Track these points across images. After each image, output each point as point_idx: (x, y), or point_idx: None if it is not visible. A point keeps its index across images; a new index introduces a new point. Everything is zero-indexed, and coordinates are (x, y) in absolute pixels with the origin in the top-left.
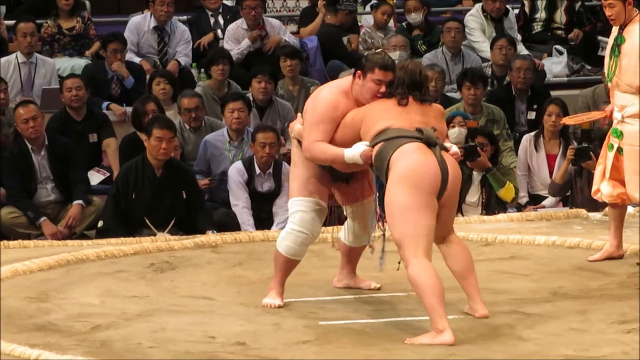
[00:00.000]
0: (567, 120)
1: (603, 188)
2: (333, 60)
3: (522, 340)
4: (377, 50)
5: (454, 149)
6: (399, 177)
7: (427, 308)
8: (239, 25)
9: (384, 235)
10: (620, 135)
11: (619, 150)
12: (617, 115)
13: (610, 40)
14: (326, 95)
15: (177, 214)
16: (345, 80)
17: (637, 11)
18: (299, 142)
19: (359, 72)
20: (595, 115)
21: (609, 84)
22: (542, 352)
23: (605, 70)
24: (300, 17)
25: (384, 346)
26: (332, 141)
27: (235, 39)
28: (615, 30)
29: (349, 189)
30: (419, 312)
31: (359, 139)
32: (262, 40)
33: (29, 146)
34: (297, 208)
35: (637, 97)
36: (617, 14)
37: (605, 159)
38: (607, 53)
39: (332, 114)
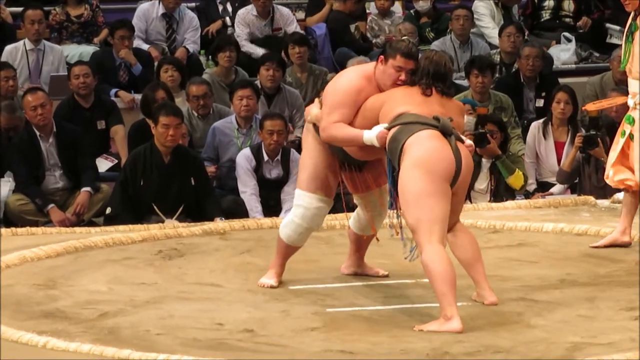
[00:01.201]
0: (590, 107)
1: (610, 173)
2: (341, 48)
3: (530, 327)
4: (402, 38)
5: (468, 142)
6: (414, 163)
7: (437, 294)
8: (249, 10)
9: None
10: (632, 121)
11: (631, 136)
12: (630, 102)
13: (626, 27)
14: (349, 79)
15: (185, 200)
16: (368, 66)
17: None
18: (315, 127)
19: (381, 57)
20: (617, 100)
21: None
22: (549, 339)
23: (621, 56)
24: (308, 6)
25: (392, 333)
26: (351, 125)
27: (246, 23)
28: (631, 17)
29: (362, 177)
30: (427, 299)
31: (377, 124)
32: (271, 25)
33: (37, 133)
34: (300, 202)
35: None
36: (632, 0)
37: (618, 145)
38: (623, 40)
39: (354, 97)
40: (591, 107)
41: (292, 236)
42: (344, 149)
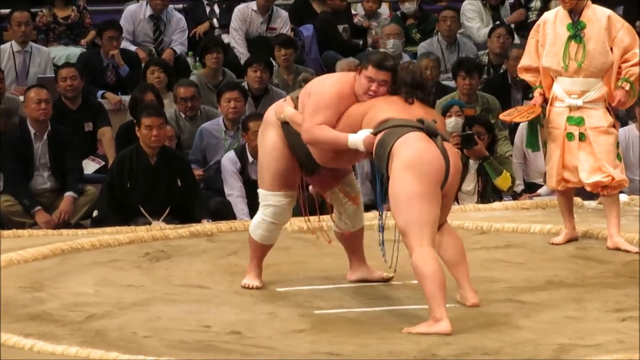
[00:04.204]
0: (504, 117)
1: (568, 176)
2: (328, 51)
3: (518, 329)
4: (382, 50)
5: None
6: (405, 166)
7: (427, 296)
8: (249, 6)
9: (382, 226)
10: (580, 121)
11: (581, 136)
12: (575, 102)
13: (559, 28)
14: (334, 84)
15: (172, 202)
16: (350, 75)
17: None
18: (284, 125)
19: (358, 67)
20: (530, 113)
21: (564, 70)
22: (537, 340)
23: (553, 57)
24: (292, 8)
25: (380, 334)
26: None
27: (243, 19)
28: (560, 17)
29: (318, 178)
30: (414, 300)
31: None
32: (268, 23)
33: (32, 131)
34: (269, 202)
35: (600, 81)
36: None
37: (564, 149)
38: (551, 41)
39: (338, 102)
40: (506, 117)
41: (266, 235)
42: (310, 153)
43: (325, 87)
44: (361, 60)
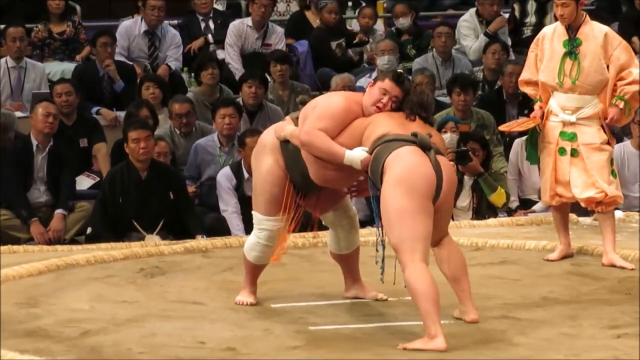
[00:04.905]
0: (503, 128)
1: (561, 191)
2: (323, 68)
3: (513, 346)
4: (398, 70)
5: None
6: (395, 181)
7: (422, 313)
8: (244, 22)
9: (383, 242)
10: (573, 137)
11: (573, 152)
12: (568, 118)
13: (556, 43)
14: (342, 99)
15: (165, 215)
16: (356, 94)
17: (584, 13)
18: (282, 146)
19: (371, 81)
20: (529, 123)
21: (558, 87)
22: (532, 357)
23: (549, 73)
24: (289, 23)
25: (375, 351)
26: None
27: (239, 35)
28: (558, 33)
29: (313, 202)
30: (409, 317)
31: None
32: (263, 39)
33: (35, 143)
34: (263, 226)
35: (595, 98)
36: (570, 14)
37: (556, 164)
38: (548, 56)
39: (342, 115)
40: (504, 128)
41: (260, 257)
42: (306, 174)
43: (333, 99)
44: (379, 74)
